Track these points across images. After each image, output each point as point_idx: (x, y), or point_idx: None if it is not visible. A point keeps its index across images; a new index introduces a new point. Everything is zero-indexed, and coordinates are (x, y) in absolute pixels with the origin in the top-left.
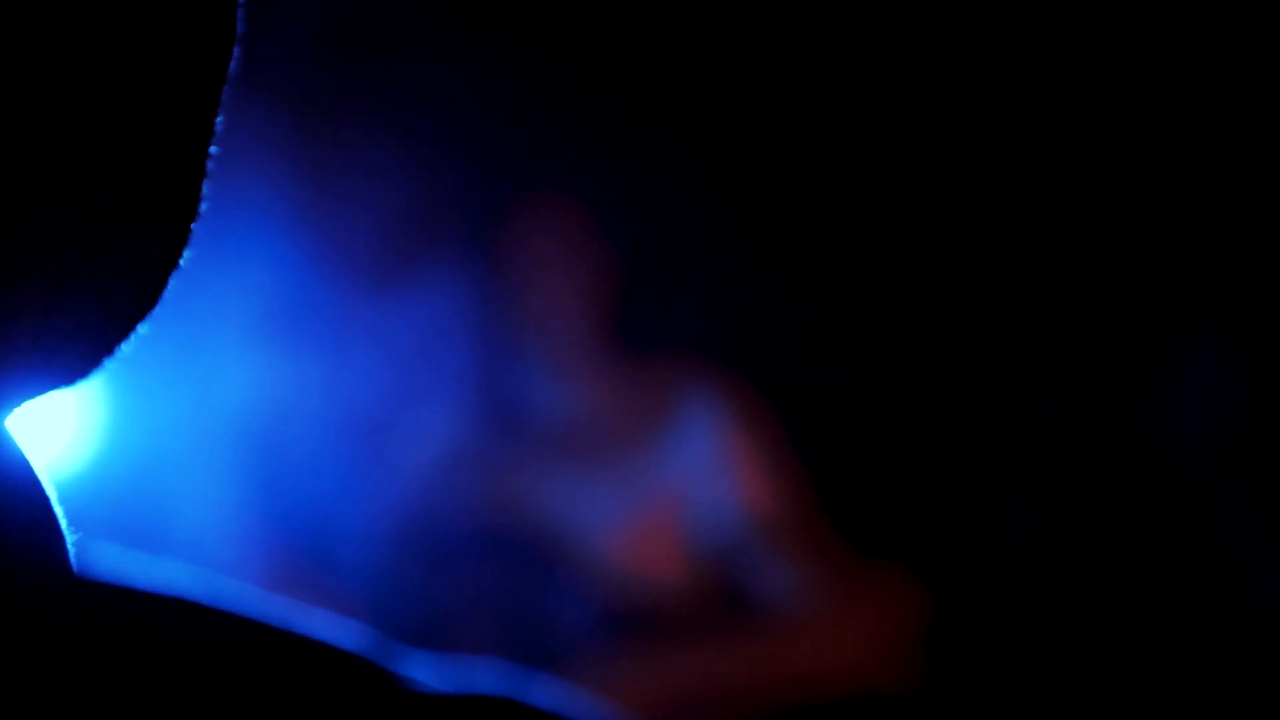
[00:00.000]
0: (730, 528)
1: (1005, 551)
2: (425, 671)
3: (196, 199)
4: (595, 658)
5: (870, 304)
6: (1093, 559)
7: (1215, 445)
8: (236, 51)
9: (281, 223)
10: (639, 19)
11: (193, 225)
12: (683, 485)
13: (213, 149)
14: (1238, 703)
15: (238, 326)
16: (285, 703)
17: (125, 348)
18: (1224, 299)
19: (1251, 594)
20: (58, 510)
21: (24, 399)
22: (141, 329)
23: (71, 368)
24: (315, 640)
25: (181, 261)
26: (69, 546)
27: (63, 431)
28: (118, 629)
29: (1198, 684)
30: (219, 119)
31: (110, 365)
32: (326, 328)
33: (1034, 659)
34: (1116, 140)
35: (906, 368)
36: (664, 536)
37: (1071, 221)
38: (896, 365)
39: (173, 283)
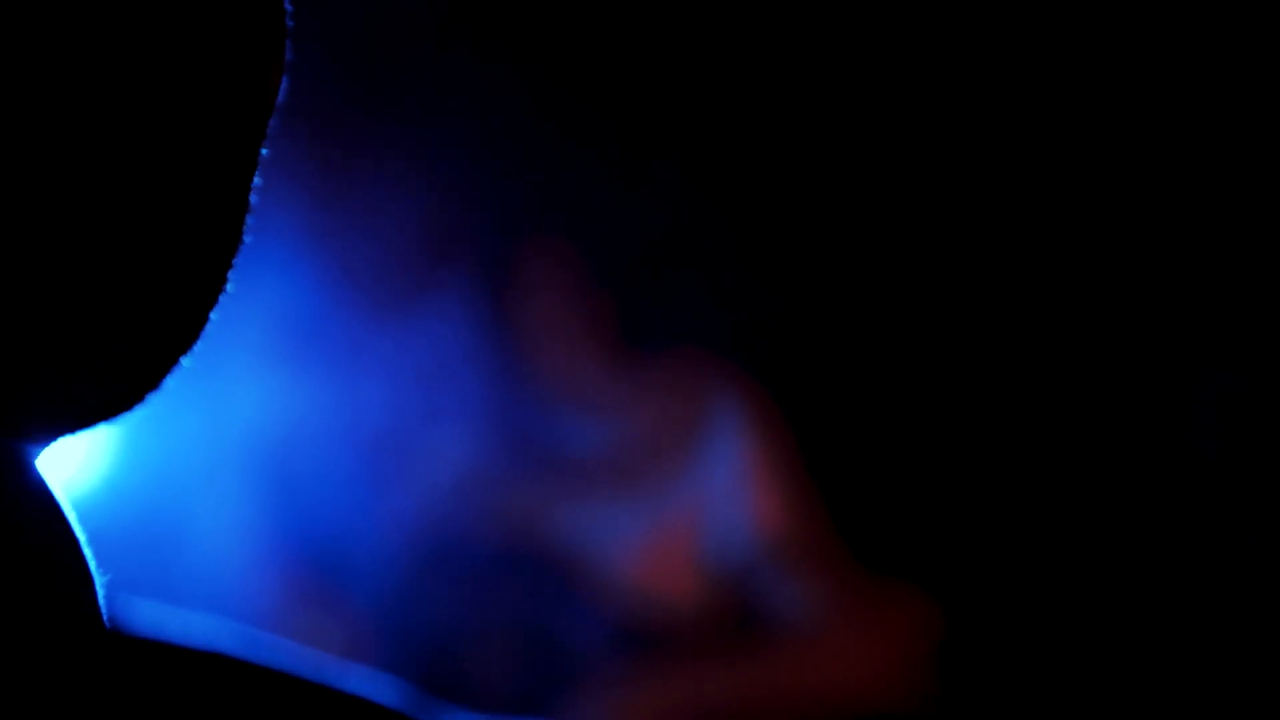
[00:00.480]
0: (747, 545)
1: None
2: None
3: (239, 235)
4: (608, 676)
5: (884, 316)
6: (1106, 575)
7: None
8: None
9: (297, 244)
10: (636, 31)
11: (234, 261)
12: (704, 502)
13: (256, 182)
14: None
15: (253, 346)
16: None
17: (165, 383)
18: (1248, 314)
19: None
20: (88, 555)
21: (57, 437)
22: (183, 363)
23: (107, 405)
24: (354, 697)
25: (222, 297)
26: (100, 593)
27: (77, 451)
28: (150, 684)
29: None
30: (263, 152)
31: (150, 401)
32: (341, 348)
33: (1048, 680)
34: (1131, 140)
35: (920, 379)
36: (681, 554)
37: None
38: (911, 376)
39: (213, 317)
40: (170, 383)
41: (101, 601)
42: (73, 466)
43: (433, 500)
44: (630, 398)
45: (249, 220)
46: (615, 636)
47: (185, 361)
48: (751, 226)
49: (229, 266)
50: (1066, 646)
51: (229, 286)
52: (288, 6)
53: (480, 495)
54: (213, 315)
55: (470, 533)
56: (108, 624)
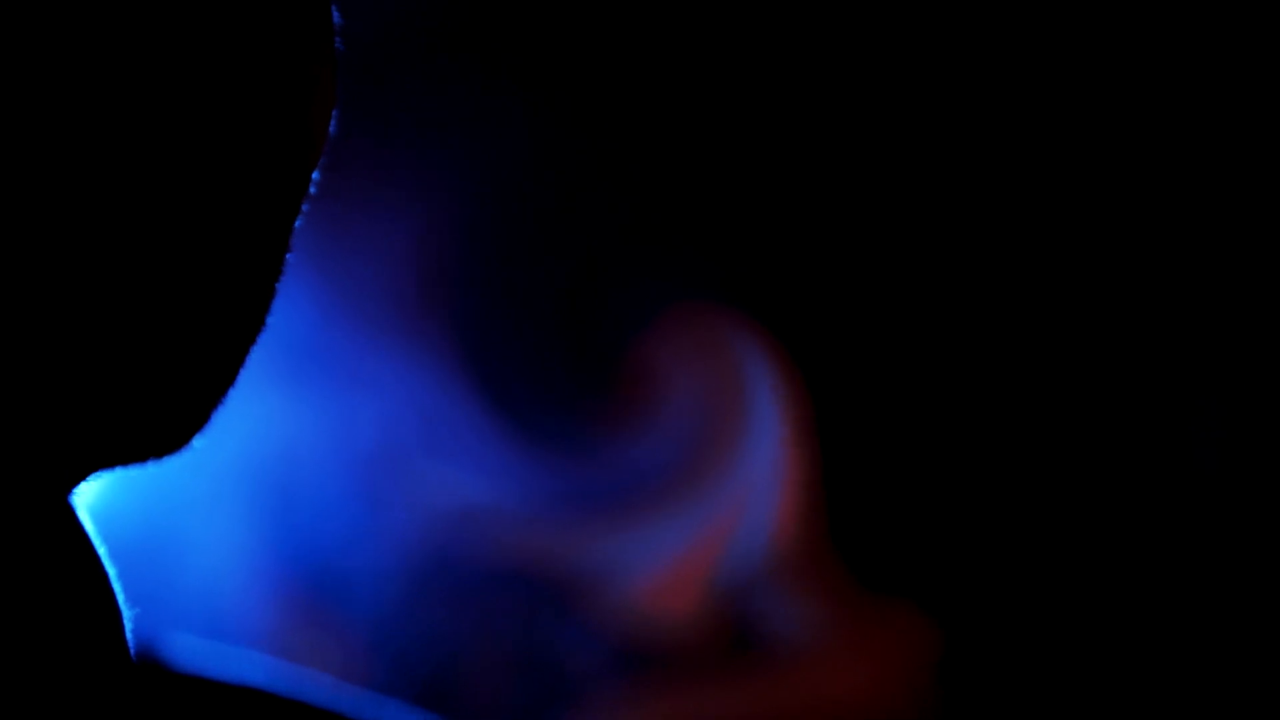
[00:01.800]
0: (764, 559)
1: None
2: None
3: (278, 276)
4: (607, 694)
5: (884, 328)
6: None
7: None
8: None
9: (295, 262)
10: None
11: (272, 301)
12: (735, 515)
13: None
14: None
15: (250, 365)
16: None
17: (203, 428)
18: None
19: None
20: (117, 589)
21: (94, 473)
22: (219, 409)
23: (151, 445)
24: None
25: (259, 339)
26: (128, 627)
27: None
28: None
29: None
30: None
31: (190, 446)
32: (339, 366)
33: (1046, 697)
34: (1123, 144)
35: (916, 389)
36: (699, 570)
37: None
38: (908, 385)
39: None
40: (205, 430)
41: (130, 636)
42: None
43: (431, 519)
44: (652, 407)
45: (286, 260)
46: (614, 654)
47: (220, 409)
48: (762, 231)
49: (269, 306)
50: (1065, 664)
51: (262, 335)
52: (339, 46)
53: (480, 515)
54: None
55: (469, 552)
56: (135, 658)
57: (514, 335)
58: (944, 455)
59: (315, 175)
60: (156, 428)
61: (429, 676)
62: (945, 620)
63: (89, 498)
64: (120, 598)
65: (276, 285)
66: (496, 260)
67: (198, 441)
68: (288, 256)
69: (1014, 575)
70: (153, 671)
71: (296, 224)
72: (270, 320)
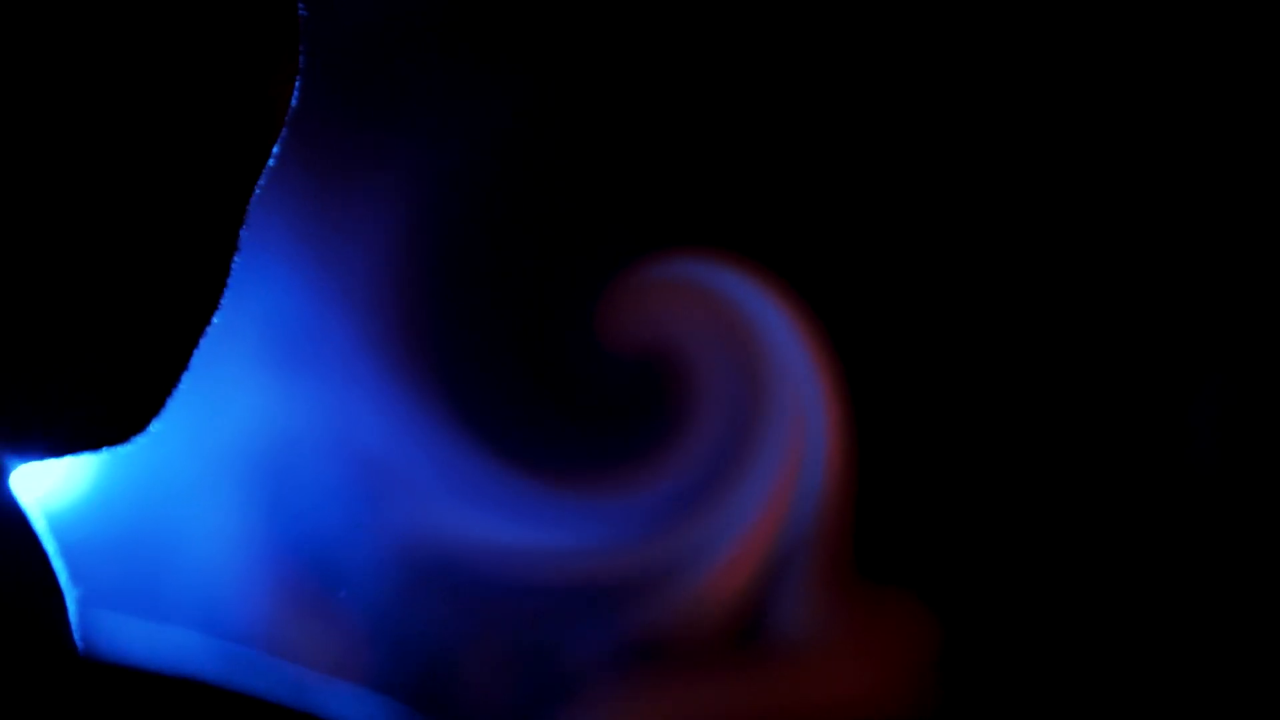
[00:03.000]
0: (804, 549)
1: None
2: None
3: (231, 256)
4: (606, 689)
5: (885, 327)
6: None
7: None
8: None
9: (288, 252)
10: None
11: (221, 294)
12: (784, 503)
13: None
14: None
15: (244, 355)
16: None
17: (151, 420)
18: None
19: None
20: (60, 572)
21: (35, 459)
22: (169, 402)
23: (98, 432)
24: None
25: (207, 330)
26: (71, 612)
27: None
28: (121, 708)
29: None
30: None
31: (137, 438)
32: (335, 357)
33: (1047, 692)
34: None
35: (917, 384)
36: (750, 557)
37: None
38: (909, 381)
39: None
40: (165, 412)
41: (73, 618)
42: (58, 478)
43: (427, 511)
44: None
45: (242, 236)
46: (615, 651)
47: (170, 402)
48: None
49: (223, 287)
50: (1066, 658)
51: (215, 320)
52: (302, 12)
53: (476, 506)
54: (205, 331)
55: (465, 544)
56: (80, 642)
57: (506, 321)
58: (945, 452)
59: (271, 159)
60: (108, 414)
61: (425, 669)
62: (946, 616)
63: (69, 487)
64: (63, 579)
65: (231, 267)
66: (491, 245)
67: (154, 428)
68: (249, 239)
69: (1015, 571)
70: (95, 661)
71: (250, 207)
72: (264, 309)
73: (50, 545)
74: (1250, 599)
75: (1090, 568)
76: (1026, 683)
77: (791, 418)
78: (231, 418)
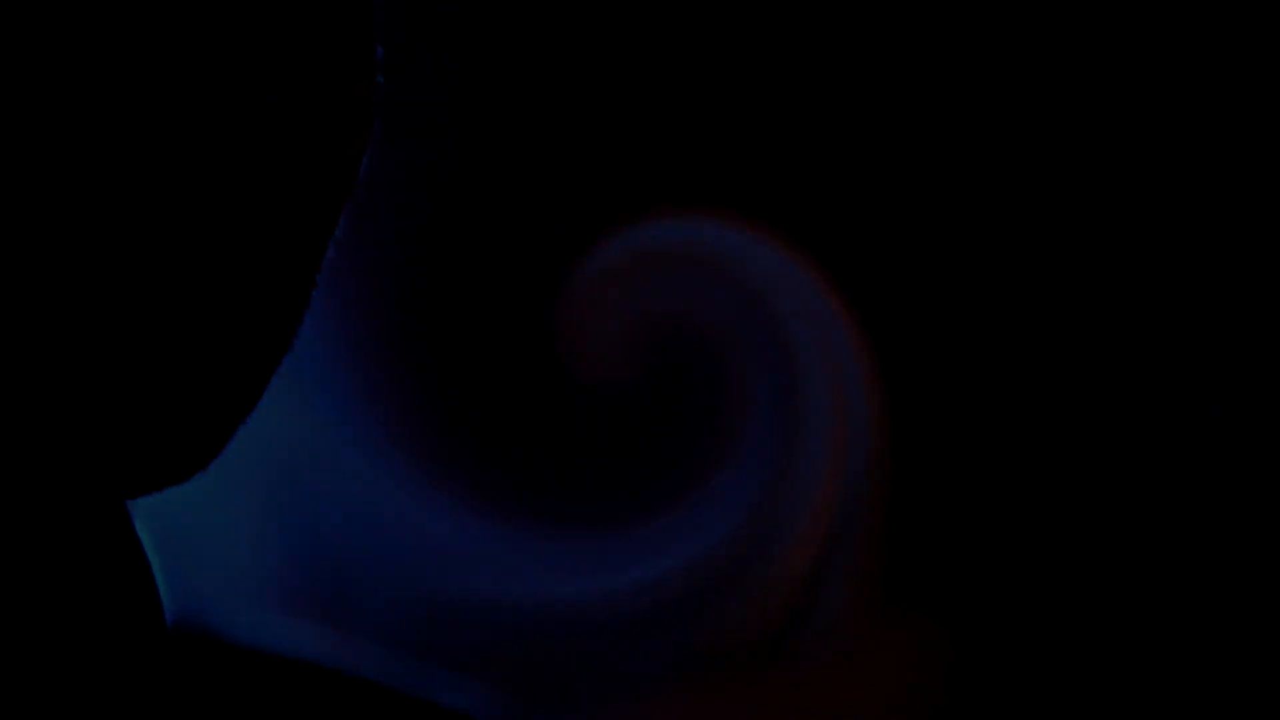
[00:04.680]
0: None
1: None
2: None
3: (307, 299)
4: (624, 695)
5: (886, 334)
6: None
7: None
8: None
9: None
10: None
11: (303, 314)
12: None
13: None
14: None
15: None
16: None
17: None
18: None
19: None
20: (153, 562)
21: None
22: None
23: (166, 472)
24: (445, 711)
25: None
26: (163, 598)
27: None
28: (225, 692)
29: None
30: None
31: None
32: (351, 354)
33: (1060, 704)
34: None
35: (920, 393)
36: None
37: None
38: (912, 389)
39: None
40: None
41: (167, 606)
42: None
43: (442, 511)
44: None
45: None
46: (637, 655)
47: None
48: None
49: (295, 323)
50: (1078, 671)
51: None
52: (380, 80)
53: (491, 505)
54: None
55: (481, 543)
56: (171, 627)
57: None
58: (956, 460)
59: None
60: (174, 453)
61: (440, 664)
62: (961, 627)
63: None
64: (158, 574)
65: (304, 307)
66: (505, 241)
67: (213, 464)
68: (317, 278)
69: (1024, 582)
70: (189, 638)
71: (329, 247)
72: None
73: (148, 544)
74: (1272, 616)
75: (1100, 582)
76: (1039, 695)
77: (833, 422)
78: (250, 424)
